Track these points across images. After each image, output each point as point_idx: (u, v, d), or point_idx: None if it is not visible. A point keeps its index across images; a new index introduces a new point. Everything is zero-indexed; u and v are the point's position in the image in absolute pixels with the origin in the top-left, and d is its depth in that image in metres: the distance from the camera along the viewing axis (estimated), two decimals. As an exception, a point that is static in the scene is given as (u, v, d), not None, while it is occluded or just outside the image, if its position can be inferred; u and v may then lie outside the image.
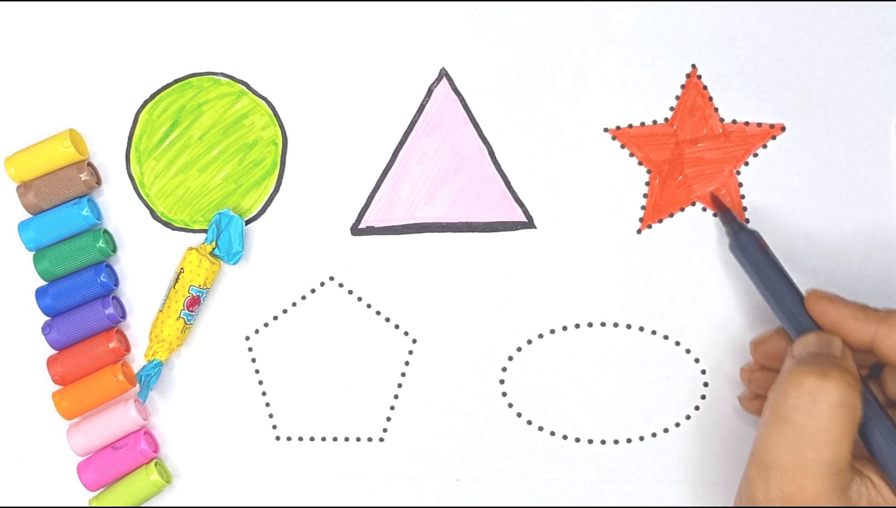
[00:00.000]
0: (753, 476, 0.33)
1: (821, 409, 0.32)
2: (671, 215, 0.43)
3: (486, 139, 0.44)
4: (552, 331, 0.44)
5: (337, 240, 0.45)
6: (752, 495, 0.33)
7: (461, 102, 0.44)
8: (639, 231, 0.43)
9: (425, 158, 0.44)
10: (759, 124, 0.43)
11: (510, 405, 0.44)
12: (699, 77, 0.43)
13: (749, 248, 0.40)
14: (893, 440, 0.33)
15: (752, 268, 0.39)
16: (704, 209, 0.43)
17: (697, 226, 0.43)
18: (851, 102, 0.43)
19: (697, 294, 0.43)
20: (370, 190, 0.44)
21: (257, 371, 0.45)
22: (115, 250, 0.45)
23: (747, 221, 0.43)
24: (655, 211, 0.43)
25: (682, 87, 0.43)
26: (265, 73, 0.45)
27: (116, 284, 0.45)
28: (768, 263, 0.39)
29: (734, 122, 0.43)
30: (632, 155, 0.44)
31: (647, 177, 0.44)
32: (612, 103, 0.44)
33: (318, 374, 0.44)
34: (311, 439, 0.44)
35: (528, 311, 0.44)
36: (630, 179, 0.44)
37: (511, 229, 0.44)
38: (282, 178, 0.45)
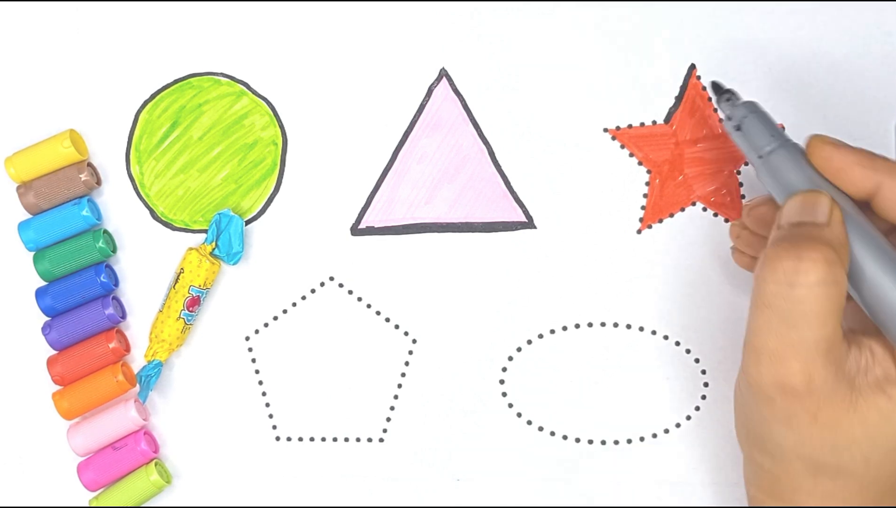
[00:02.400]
0: (747, 361, 0.33)
1: (798, 292, 0.30)
2: (671, 215, 0.43)
3: (486, 139, 0.44)
4: (552, 331, 0.44)
5: (337, 240, 0.45)
6: (748, 380, 0.33)
7: (461, 102, 0.44)
8: (639, 231, 0.43)
9: (425, 158, 0.44)
10: (759, 124, 0.43)
11: (510, 405, 0.44)
12: (699, 77, 0.43)
13: (752, 113, 0.37)
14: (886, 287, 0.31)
15: (754, 136, 0.37)
16: (705, 209, 0.43)
17: (697, 226, 0.43)
18: (851, 102, 0.43)
19: (697, 294, 0.43)
20: (370, 190, 0.44)
21: (257, 371, 0.45)
22: (115, 250, 0.45)
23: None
24: (655, 211, 0.43)
25: (682, 87, 0.43)
26: (265, 73, 0.45)
27: (116, 284, 0.45)
28: (765, 124, 0.37)
29: (734, 122, 0.43)
30: (632, 155, 0.44)
31: (647, 177, 0.44)
32: (612, 103, 0.44)
33: (318, 374, 0.44)
34: (311, 439, 0.44)
35: (528, 311, 0.44)
36: (630, 180, 0.44)
37: (511, 229, 0.44)
38: (282, 178, 0.45)
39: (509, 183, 0.44)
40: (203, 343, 0.45)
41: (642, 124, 0.44)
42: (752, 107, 0.37)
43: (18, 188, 0.44)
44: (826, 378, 0.31)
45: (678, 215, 0.43)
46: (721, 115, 0.39)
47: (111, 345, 0.43)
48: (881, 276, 0.32)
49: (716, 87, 0.40)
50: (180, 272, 0.43)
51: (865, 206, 0.34)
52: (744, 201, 0.39)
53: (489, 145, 0.44)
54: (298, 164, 0.45)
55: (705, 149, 0.43)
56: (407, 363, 0.44)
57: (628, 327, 0.43)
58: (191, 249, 0.44)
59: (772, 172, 0.35)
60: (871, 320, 0.33)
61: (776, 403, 0.32)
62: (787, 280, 0.31)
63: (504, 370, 0.44)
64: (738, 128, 0.37)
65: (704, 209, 0.43)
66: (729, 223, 0.43)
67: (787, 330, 0.31)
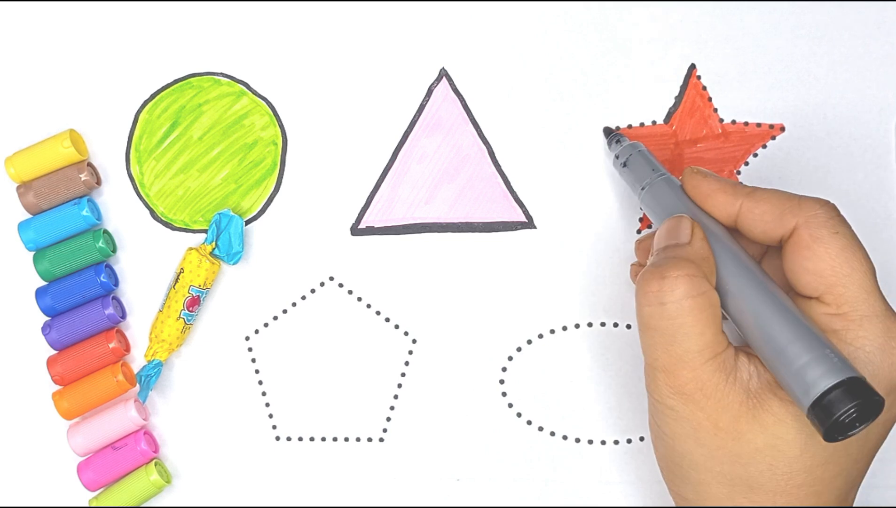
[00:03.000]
0: (648, 380, 0.35)
1: (669, 309, 0.32)
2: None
3: (486, 139, 0.44)
4: (552, 331, 0.44)
5: (337, 240, 0.45)
6: (652, 397, 0.34)
7: (461, 102, 0.44)
8: (639, 231, 0.43)
9: (425, 158, 0.44)
10: (759, 124, 0.43)
11: (510, 405, 0.44)
12: (699, 77, 0.43)
13: (632, 157, 0.40)
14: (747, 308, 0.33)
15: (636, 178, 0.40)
16: (704, 209, 0.43)
17: (697, 226, 0.43)
18: (851, 102, 0.43)
19: (697, 294, 0.43)
20: (370, 190, 0.45)
21: (257, 371, 0.45)
22: (115, 250, 0.45)
23: None
24: (655, 211, 0.43)
25: (682, 87, 0.43)
26: (265, 73, 0.45)
27: (116, 284, 0.45)
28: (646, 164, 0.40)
29: (734, 122, 0.43)
30: (632, 155, 0.44)
31: (647, 177, 0.44)
32: (612, 103, 0.44)
33: (318, 374, 0.44)
34: (311, 439, 0.44)
35: (528, 311, 0.44)
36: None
37: (511, 229, 0.44)
38: (282, 178, 0.45)
39: (509, 183, 0.44)
40: (203, 343, 0.45)
41: (642, 124, 0.44)
42: (638, 147, 0.40)
43: (18, 188, 0.44)
44: (718, 384, 0.32)
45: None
46: (611, 153, 0.42)
47: (111, 345, 0.43)
48: (739, 286, 0.34)
49: (606, 130, 0.43)
50: (180, 272, 0.43)
51: (738, 232, 0.36)
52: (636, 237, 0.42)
53: (489, 145, 0.44)
54: (298, 164, 0.45)
55: (705, 149, 0.43)
56: (407, 363, 0.44)
57: (628, 327, 0.43)
58: (191, 249, 0.44)
59: (652, 202, 0.38)
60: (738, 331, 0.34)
61: (679, 413, 0.33)
62: (657, 300, 0.33)
63: (504, 370, 0.44)
64: (625, 165, 0.40)
65: (704, 209, 0.43)
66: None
67: (670, 345, 0.33)
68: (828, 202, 0.34)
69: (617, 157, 0.41)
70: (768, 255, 0.37)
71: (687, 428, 0.33)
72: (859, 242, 0.34)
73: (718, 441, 0.33)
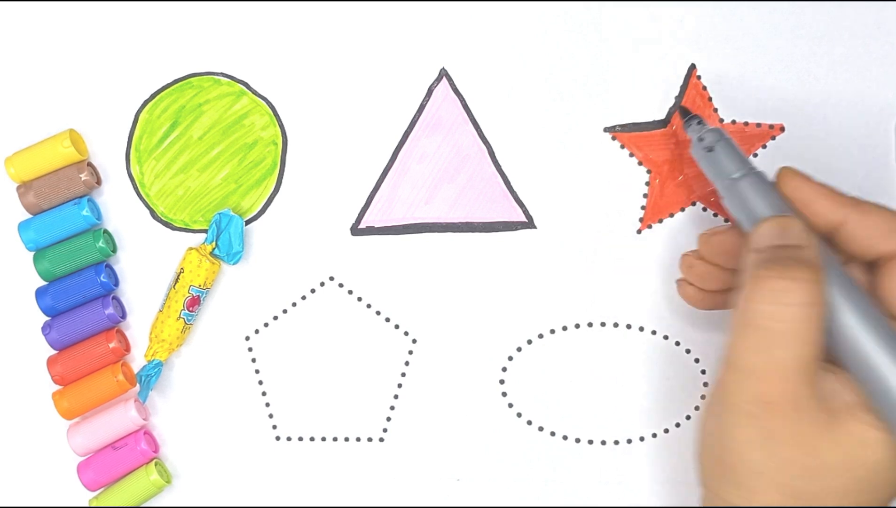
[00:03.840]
0: (728, 379, 0.33)
1: (786, 311, 0.31)
2: (671, 215, 0.43)
3: (486, 139, 0.44)
4: (552, 331, 0.44)
5: (337, 240, 0.45)
6: (729, 399, 0.33)
7: (461, 102, 0.44)
8: (639, 231, 0.43)
9: (425, 158, 0.44)
10: (759, 124, 0.43)
11: (510, 405, 0.44)
12: (699, 77, 0.43)
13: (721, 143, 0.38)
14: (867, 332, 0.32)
15: (721, 163, 0.38)
16: (705, 209, 0.43)
17: (697, 226, 0.43)
18: (851, 102, 0.43)
19: (697, 294, 0.43)
20: (370, 190, 0.45)
21: (257, 371, 0.45)
22: (115, 250, 0.45)
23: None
24: (655, 211, 0.43)
25: (682, 87, 0.43)
26: (265, 73, 0.45)
27: (116, 284, 0.45)
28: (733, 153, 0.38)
29: (734, 122, 0.43)
30: (632, 155, 0.44)
31: (647, 177, 0.44)
32: (612, 103, 0.44)
33: (318, 374, 0.44)
34: (311, 439, 0.44)
35: (528, 311, 0.44)
36: (630, 180, 0.44)
37: (511, 229, 0.44)
38: (282, 178, 0.45)
39: (509, 183, 0.44)
40: (203, 343, 0.45)
41: (642, 124, 0.44)
42: (723, 133, 0.38)
43: (18, 188, 0.44)
44: (808, 398, 0.32)
45: (678, 215, 0.43)
46: (691, 137, 0.40)
47: (111, 345, 0.43)
48: (843, 305, 0.32)
49: (684, 111, 0.41)
50: (180, 272, 0.43)
51: (825, 239, 0.35)
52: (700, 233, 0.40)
53: (489, 145, 0.44)
54: (298, 164, 0.45)
55: (705, 149, 0.43)
56: (407, 363, 0.44)
57: (628, 327, 0.43)
58: (191, 249, 0.44)
59: (740, 198, 0.36)
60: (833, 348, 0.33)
61: (757, 421, 0.32)
62: (775, 300, 0.31)
63: (504, 370, 0.44)
64: (710, 150, 0.38)
65: (704, 209, 0.43)
66: (729, 224, 0.43)
67: (773, 350, 0.31)
68: None
69: (701, 139, 0.38)
70: (848, 267, 0.36)
71: (761, 437, 0.32)
72: None
73: (792, 453, 0.32)
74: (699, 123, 0.40)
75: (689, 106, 0.43)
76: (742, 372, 0.32)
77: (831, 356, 0.33)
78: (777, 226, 0.34)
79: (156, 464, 0.43)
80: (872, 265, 0.34)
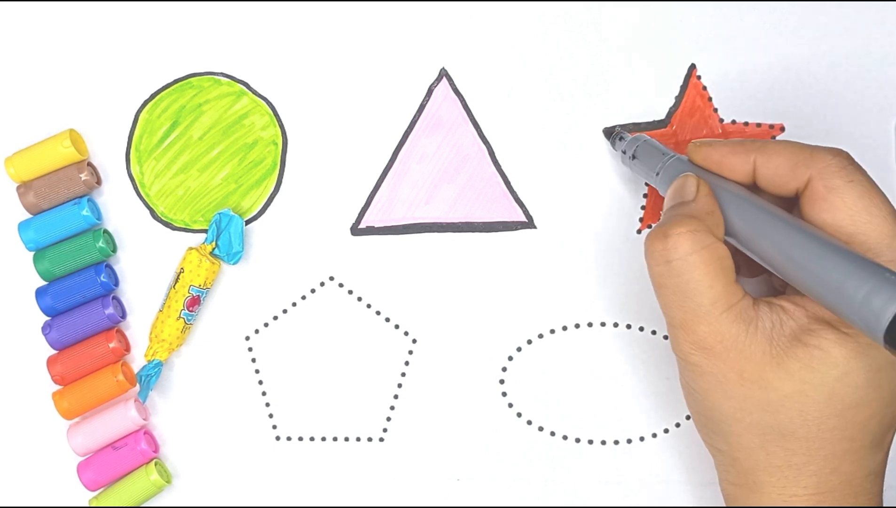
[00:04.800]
0: (671, 340, 0.35)
1: (676, 266, 0.33)
2: (671, 215, 0.43)
3: (486, 139, 0.44)
4: (552, 331, 0.44)
5: (337, 240, 0.45)
6: (677, 356, 0.35)
7: (461, 102, 0.44)
8: (639, 231, 0.43)
9: (425, 158, 0.44)
10: (759, 124, 0.43)
11: (510, 405, 0.44)
12: (699, 77, 0.43)
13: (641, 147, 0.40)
14: (757, 228, 0.33)
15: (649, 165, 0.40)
16: (704, 209, 0.43)
17: (697, 226, 0.43)
18: (851, 102, 0.43)
19: (697, 294, 0.43)
20: (370, 190, 0.45)
21: (257, 371, 0.45)
22: (115, 250, 0.45)
23: None
24: (655, 211, 0.43)
25: (682, 87, 0.43)
26: (265, 73, 0.45)
27: (116, 284, 0.45)
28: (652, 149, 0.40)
29: (734, 122, 0.43)
30: (632, 155, 0.44)
31: (647, 177, 0.44)
32: (612, 103, 0.44)
33: (318, 374, 0.44)
34: (311, 439, 0.44)
35: (528, 311, 0.44)
36: (630, 180, 0.44)
37: (511, 229, 0.44)
38: (282, 178, 0.45)
39: (509, 183, 0.44)
40: (203, 343, 0.45)
41: (642, 124, 0.44)
42: (642, 138, 0.40)
43: (18, 188, 0.44)
44: (738, 334, 0.33)
45: (678, 215, 0.43)
46: (617, 151, 0.42)
47: (111, 345, 0.43)
48: (758, 230, 0.33)
49: (606, 131, 0.43)
50: (180, 272, 0.43)
51: (757, 191, 0.36)
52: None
53: (489, 145, 0.44)
54: (298, 164, 0.45)
55: (705, 149, 0.43)
56: (407, 363, 0.44)
57: (628, 327, 0.43)
58: (191, 248, 0.44)
59: (667, 183, 0.38)
60: (767, 267, 0.34)
61: (704, 368, 0.33)
62: (663, 259, 0.33)
63: (504, 370, 0.44)
64: (634, 157, 0.40)
65: (704, 209, 0.43)
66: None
67: (683, 301, 0.33)
68: (840, 151, 0.34)
69: (624, 152, 0.41)
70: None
71: (712, 382, 0.33)
72: (876, 186, 0.33)
73: (745, 392, 0.33)
74: (620, 137, 0.42)
75: (689, 105, 0.43)
76: (672, 327, 0.34)
77: (778, 284, 0.35)
78: (673, 189, 0.36)
79: (156, 464, 0.43)
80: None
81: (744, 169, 0.35)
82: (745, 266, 0.39)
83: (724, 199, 0.35)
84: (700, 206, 0.34)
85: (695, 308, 0.33)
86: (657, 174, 0.39)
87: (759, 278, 0.39)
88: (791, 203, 0.35)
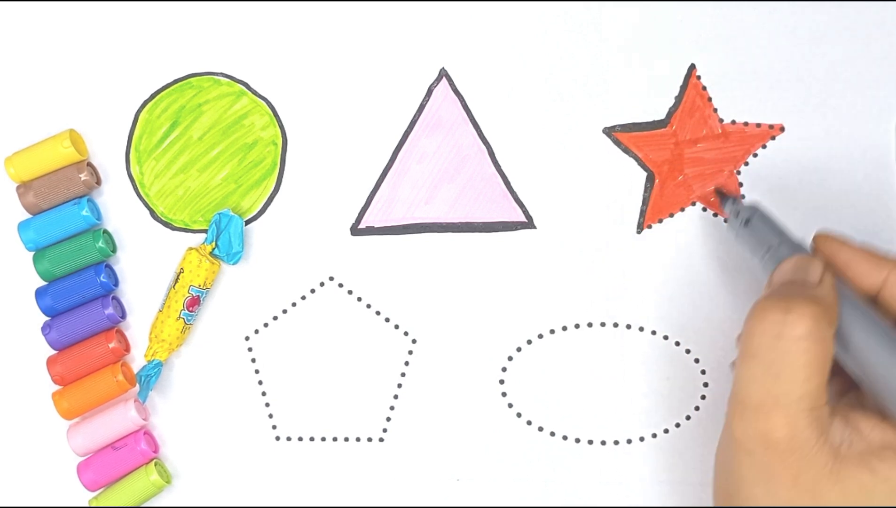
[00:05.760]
0: (731, 413, 0.33)
1: (785, 344, 0.31)
2: (671, 215, 0.43)
3: (486, 139, 0.44)
4: (552, 331, 0.44)
5: (337, 240, 0.45)
6: (732, 434, 0.33)
7: (461, 102, 0.44)
8: (639, 231, 0.43)
9: (425, 158, 0.44)
10: (759, 124, 0.43)
11: (510, 405, 0.44)
12: (699, 77, 0.43)
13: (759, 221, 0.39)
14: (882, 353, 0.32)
15: (768, 236, 0.38)
16: (704, 209, 0.43)
17: (697, 226, 0.43)
18: (851, 102, 0.43)
19: (697, 294, 0.43)
20: (370, 190, 0.44)
21: (257, 371, 0.45)
22: (115, 250, 0.45)
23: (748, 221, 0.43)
24: (655, 211, 0.43)
25: (682, 87, 0.43)
26: (265, 73, 0.45)
27: (116, 284, 0.45)
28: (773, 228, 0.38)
29: (734, 122, 0.43)
30: (632, 155, 0.44)
31: (646, 177, 0.44)
32: (612, 103, 0.44)
33: (318, 374, 0.44)
34: (311, 439, 0.44)
35: (528, 311, 0.44)
36: (630, 179, 0.44)
37: (511, 229, 0.44)
38: (282, 178, 0.45)
39: (509, 183, 0.44)
40: (203, 343, 0.45)
41: (642, 124, 0.44)
42: (758, 206, 0.39)
43: (18, 188, 0.44)
44: (809, 438, 0.31)
45: (678, 215, 0.43)
46: (727, 213, 0.40)
47: (111, 345, 0.43)
48: (872, 345, 0.32)
49: (720, 192, 0.42)
50: (180, 272, 0.43)
51: (872, 303, 0.34)
52: None
53: (489, 145, 0.44)
54: (298, 164, 0.45)
55: (705, 149, 0.43)
56: (407, 363, 0.44)
57: (628, 327, 0.43)
58: (191, 249, 0.44)
59: (775, 263, 0.36)
60: (863, 390, 0.33)
61: (757, 457, 0.32)
62: (774, 331, 0.31)
63: (504, 370, 0.44)
64: (747, 222, 0.38)
65: (704, 209, 0.43)
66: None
67: (771, 382, 0.31)
68: None
69: (737, 215, 0.39)
70: None
71: (761, 474, 0.32)
72: None
73: (793, 497, 0.31)
74: (734, 201, 0.40)
75: (690, 105, 0.43)
76: (743, 406, 0.32)
77: (861, 398, 0.33)
78: (795, 264, 0.34)
79: (156, 464, 0.43)
80: None
81: (871, 281, 0.34)
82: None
83: (841, 301, 0.33)
84: (826, 293, 0.32)
85: (780, 396, 0.31)
86: (768, 250, 0.37)
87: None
88: None
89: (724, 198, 0.41)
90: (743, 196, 0.41)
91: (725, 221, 0.41)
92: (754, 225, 0.38)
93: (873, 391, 0.32)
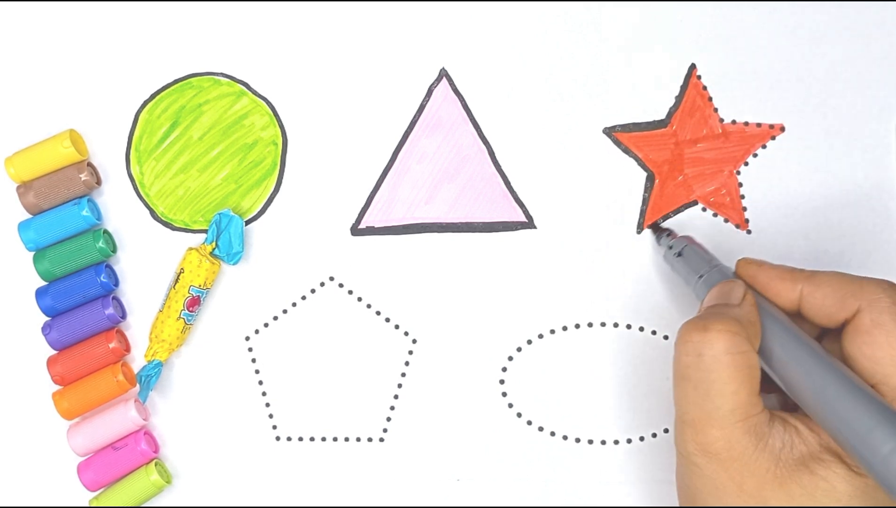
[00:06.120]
0: (676, 432, 0.34)
1: (706, 362, 0.32)
2: (671, 215, 0.43)
3: (486, 139, 0.44)
4: (552, 331, 0.44)
5: (337, 240, 0.45)
6: (679, 452, 0.34)
7: (461, 102, 0.44)
8: (639, 231, 0.43)
9: (425, 158, 0.44)
10: (759, 124, 0.43)
11: (510, 405, 0.44)
12: (699, 77, 0.43)
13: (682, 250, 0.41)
14: (796, 362, 0.33)
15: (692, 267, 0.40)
16: (704, 209, 0.43)
17: (697, 226, 0.43)
18: (851, 102, 0.43)
19: (697, 294, 0.43)
20: (370, 190, 0.45)
21: (257, 371, 0.45)
22: (115, 250, 0.45)
23: (747, 221, 0.43)
24: (655, 211, 0.43)
25: (682, 87, 0.43)
26: (265, 73, 0.45)
27: (116, 284, 0.45)
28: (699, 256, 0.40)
29: (734, 122, 0.43)
30: (632, 155, 0.44)
31: (646, 177, 0.44)
32: (612, 103, 0.44)
33: (318, 374, 0.44)
34: (311, 439, 0.44)
35: (528, 311, 0.44)
36: (630, 179, 0.44)
37: (511, 229, 0.44)
38: (282, 178, 0.45)
39: (509, 183, 0.44)
40: (203, 343, 0.45)
41: (642, 124, 0.44)
42: (690, 239, 0.41)
43: (18, 188, 0.44)
44: (747, 447, 0.32)
45: (678, 215, 0.43)
46: (662, 247, 0.42)
47: (111, 345, 0.43)
48: (790, 354, 0.33)
49: (654, 227, 0.43)
50: (180, 272, 0.43)
51: (799, 318, 0.36)
52: None
53: (489, 145, 0.44)
54: (298, 164, 0.45)
55: (705, 149, 0.43)
56: (407, 363, 0.44)
57: (628, 327, 0.43)
58: (191, 249, 0.44)
59: (706, 289, 0.38)
60: (791, 397, 0.34)
61: (703, 469, 0.33)
62: (695, 351, 0.33)
63: (504, 370, 0.44)
64: (679, 254, 0.40)
65: (704, 209, 0.43)
66: (729, 224, 0.43)
67: (702, 400, 0.33)
68: (892, 285, 0.34)
69: (670, 248, 0.41)
70: (826, 338, 0.37)
71: (709, 486, 0.33)
72: None
73: (740, 503, 0.32)
74: (668, 234, 0.42)
75: (689, 105, 0.43)
76: (683, 423, 0.34)
77: (793, 404, 0.34)
78: (719, 289, 0.36)
79: (156, 464, 0.43)
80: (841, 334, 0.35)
81: (789, 296, 0.35)
82: (765, 381, 0.38)
83: (764, 318, 0.35)
84: (744, 312, 0.34)
85: (711, 410, 0.32)
86: (700, 277, 0.38)
87: (773, 394, 0.38)
88: (832, 334, 0.35)
89: (658, 233, 0.43)
90: (671, 232, 0.42)
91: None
92: (686, 256, 0.40)
93: (797, 398, 0.33)
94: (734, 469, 0.32)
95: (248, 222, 0.45)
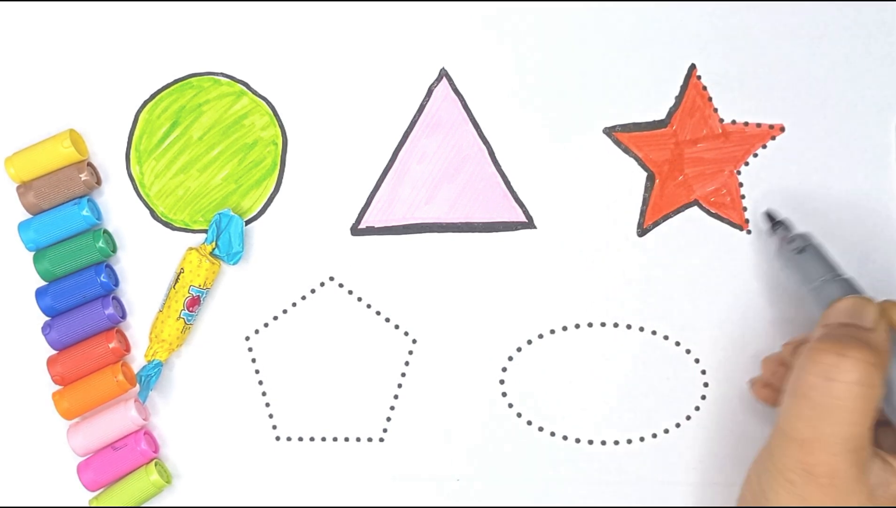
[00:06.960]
0: (775, 444, 0.34)
1: (837, 387, 0.32)
2: (671, 215, 0.43)
3: (486, 139, 0.44)
4: (552, 331, 0.44)
5: (337, 240, 0.45)
6: (774, 463, 0.34)
7: (461, 102, 0.44)
8: (639, 231, 0.43)
9: (425, 158, 0.44)
10: (759, 125, 0.43)
11: (510, 405, 0.44)
12: (699, 77, 0.43)
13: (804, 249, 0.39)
14: None
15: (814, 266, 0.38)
16: (705, 209, 0.43)
17: (697, 226, 0.43)
18: (851, 102, 0.43)
19: (697, 294, 0.43)
20: (370, 190, 0.45)
21: (257, 371, 0.45)
22: (115, 250, 0.45)
23: (747, 221, 0.43)
24: (655, 211, 0.43)
25: (682, 87, 0.43)
26: (265, 73, 0.45)
27: (116, 284, 0.45)
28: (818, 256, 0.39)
29: (734, 122, 0.43)
30: (632, 155, 0.44)
31: (646, 177, 0.44)
32: (612, 103, 0.44)
33: (318, 374, 0.44)
34: (311, 439, 0.44)
35: (528, 311, 0.44)
36: (630, 179, 0.44)
37: (511, 229, 0.44)
38: (282, 178, 0.45)
39: (509, 183, 0.44)
40: (203, 343, 0.45)
41: (642, 124, 0.44)
42: (810, 237, 0.39)
43: (18, 188, 0.44)
44: (849, 476, 0.32)
45: (678, 215, 0.43)
46: (777, 238, 0.40)
47: (111, 345, 0.43)
48: None
49: (770, 215, 0.41)
50: (180, 272, 0.43)
51: None
52: (784, 343, 0.40)
53: (489, 145, 0.44)
54: (298, 164, 0.45)
55: (705, 149, 0.43)
56: (407, 363, 0.44)
57: (628, 327, 0.43)
58: (191, 249, 0.44)
59: (824, 296, 0.37)
60: None
61: (797, 487, 0.33)
62: (826, 374, 0.32)
63: (504, 370, 0.44)
64: (801, 251, 0.38)
65: (704, 209, 0.43)
66: (729, 224, 0.43)
67: (819, 421, 0.32)
68: None
69: (790, 241, 0.39)
70: None
71: (799, 502, 0.33)
72: None
73: None
74: (786, 227, 0.41)
75: (690, 105, 0.43)
76: (788, 439, 0.33)
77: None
78: (850, 305, 0.35)
79: (156, 464, 0.43)
80: None
81: None
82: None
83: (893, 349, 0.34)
84: (880, 340, 0.33)
85: (827, 435, 0.32)
86: (822, 282, 0.37)
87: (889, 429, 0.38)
88: None
89: (775, 223, 0.41)
90: (789, 223, 0.41)
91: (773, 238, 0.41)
92: (809, 255, 0.38)
93: None
94: (830, 494, 0.32)
95: (248, 222, 0.45)
